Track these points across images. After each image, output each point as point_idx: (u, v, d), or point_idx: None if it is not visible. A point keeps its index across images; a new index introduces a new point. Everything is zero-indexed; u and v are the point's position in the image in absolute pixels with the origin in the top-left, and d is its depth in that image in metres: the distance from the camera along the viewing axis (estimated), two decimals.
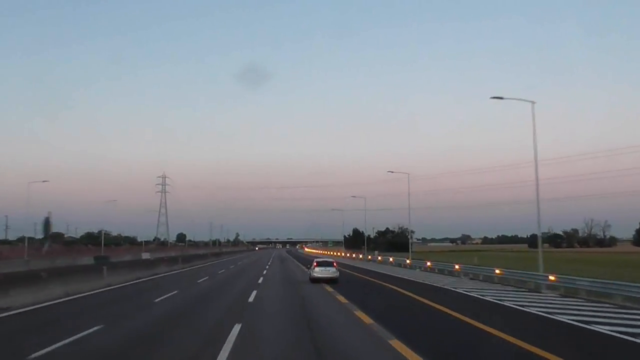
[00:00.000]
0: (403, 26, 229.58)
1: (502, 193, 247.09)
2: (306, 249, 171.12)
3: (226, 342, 10.00)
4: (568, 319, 13.89)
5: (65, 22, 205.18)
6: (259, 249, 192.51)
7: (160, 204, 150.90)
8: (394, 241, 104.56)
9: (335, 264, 28.80)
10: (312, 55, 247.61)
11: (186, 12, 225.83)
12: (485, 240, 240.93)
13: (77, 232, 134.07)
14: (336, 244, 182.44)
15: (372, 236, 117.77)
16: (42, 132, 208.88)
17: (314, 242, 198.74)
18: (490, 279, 28.70)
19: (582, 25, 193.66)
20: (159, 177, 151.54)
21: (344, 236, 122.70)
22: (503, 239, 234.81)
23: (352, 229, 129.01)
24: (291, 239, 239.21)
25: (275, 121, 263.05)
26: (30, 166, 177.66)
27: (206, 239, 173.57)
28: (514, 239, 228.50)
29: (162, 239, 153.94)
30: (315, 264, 28.13)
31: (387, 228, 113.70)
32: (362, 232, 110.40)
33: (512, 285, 25.46)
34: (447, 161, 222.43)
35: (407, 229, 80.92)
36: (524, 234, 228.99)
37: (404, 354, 9.25)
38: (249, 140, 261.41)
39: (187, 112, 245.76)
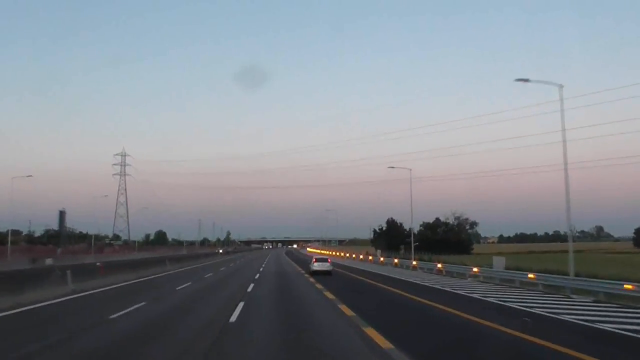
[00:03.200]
0: (404, 25, 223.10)
1: (509, 190, 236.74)
2: (309, 249, 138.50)
3: None
4: None
5: (65, 20, 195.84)
6: (223, 251, 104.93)
7: (119, 190, 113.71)
8: (445, 238, 70.34)
9: (329, 260, 36.19)
10: (312, 54, 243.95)
11: (186, 11, 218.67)
12: (502, 239, 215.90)
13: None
14: (340, 242, 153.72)
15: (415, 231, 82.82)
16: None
17: (314, 241, 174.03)
18: None
19: None
20: (117, 155, 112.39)
21: (375, 230, 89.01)
22: (522, 238, 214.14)
23: (385, 221, 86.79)
24: (289, 237, 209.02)
25: (274, 119, 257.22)
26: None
27: (197, 238, 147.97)
28: (533, 237, 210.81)
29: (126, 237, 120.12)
30: (314, 260, 35.83)
31: (437, 219, 77.59)
32: (401, 223, 76.85)
33: None
34: (451, 158, 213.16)
35: (466, 219, 48.37)
36: (541, 231, 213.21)
37: None
38: (248, 139, 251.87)
39: (185, 110, 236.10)
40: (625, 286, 16.97)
